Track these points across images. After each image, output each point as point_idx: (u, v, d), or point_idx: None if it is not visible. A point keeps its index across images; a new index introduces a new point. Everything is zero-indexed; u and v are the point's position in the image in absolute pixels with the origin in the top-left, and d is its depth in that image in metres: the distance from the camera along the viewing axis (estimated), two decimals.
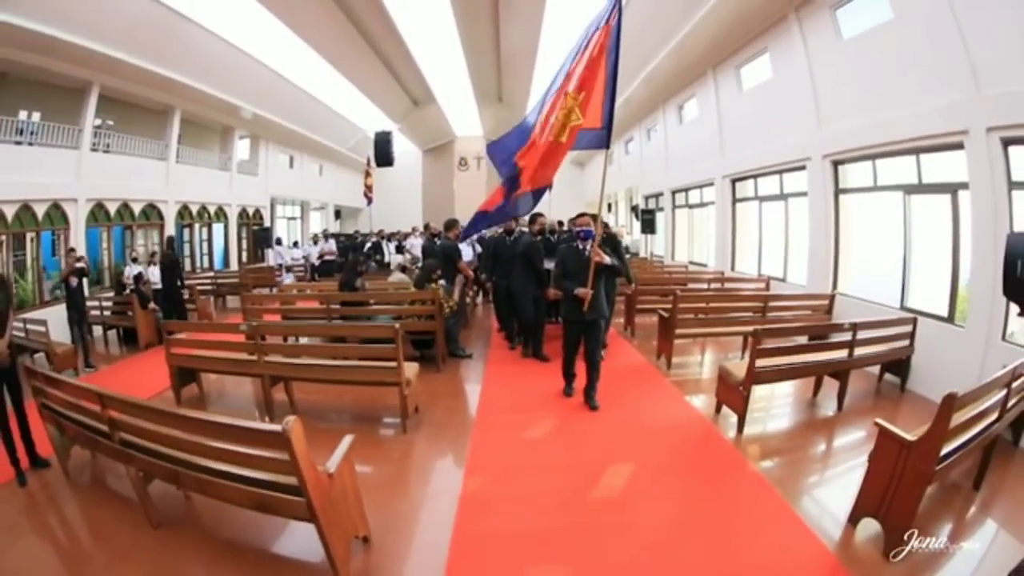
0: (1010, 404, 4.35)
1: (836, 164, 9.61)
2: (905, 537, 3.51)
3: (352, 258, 10.70)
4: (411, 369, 6.10)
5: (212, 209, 19.30)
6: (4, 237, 11.29)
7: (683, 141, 17.09)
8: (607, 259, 6.13)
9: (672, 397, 6.94)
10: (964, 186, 6.79)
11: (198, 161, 18.41)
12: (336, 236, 21.98)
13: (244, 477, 3.43)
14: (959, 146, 6.76)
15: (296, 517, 3.26)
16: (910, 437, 3.56)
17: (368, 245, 18.17)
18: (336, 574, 3.26)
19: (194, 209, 18.24)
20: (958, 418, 3.65)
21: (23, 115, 12.17)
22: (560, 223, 13.21)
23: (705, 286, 11.78)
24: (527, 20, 15.81)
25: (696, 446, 5.50)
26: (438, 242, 10.95)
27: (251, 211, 21.70)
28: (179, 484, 3.78)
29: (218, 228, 20.10)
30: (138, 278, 11.16)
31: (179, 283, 12.08)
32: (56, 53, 11.52)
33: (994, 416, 4.22)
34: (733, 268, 13.59)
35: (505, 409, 6.52)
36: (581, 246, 6.43)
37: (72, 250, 10.44)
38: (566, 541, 3.82)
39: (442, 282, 8.39)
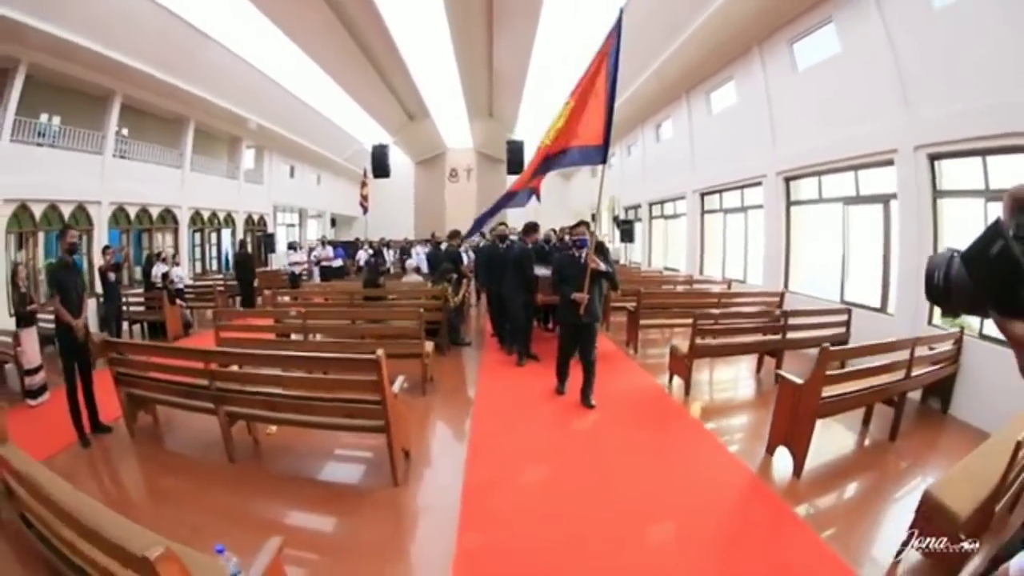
0: (921, 371, 5.76)
1: (788, 180, 10.98)
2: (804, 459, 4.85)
3: (375, 262, 12.21)
4: (428, 345, 7.53)
5: (222, 215, 20.46)
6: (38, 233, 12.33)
7: (659, 157, 18.52)
8: (602, 265, 6.54)
9: (636, 373, 8.36)
10: (894, 196, 8.10)
11: (209, 170, 19.48)
12: (334, 243, 22.98)
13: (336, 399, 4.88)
14: (890, 162, 8.06)
15: (374, 426, 4.67)
16: (799, 381, 4.90)
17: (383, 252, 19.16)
18: (394, 471, 4.68)
19: (205, 215, 19.39)
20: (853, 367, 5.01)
21: (44, 118, 12.92)
22: (554, 231, 13.99)
23: (673, 287, 13.10)
24: (519, 40, 16.59)
25: (651, 405, 6.90)
26: (443, 248, 12.26)
27: (256, 218, 22.79)
28: (275, 409, 5.04)
29: (225, 233, 21.27)
30: (165, 276, 12.32)
31: (252, 278, 14.13)
32: (82, 61, 12.42)
33: (899, 375, 5.54)
34: (702, 272, 14.96)
35: (498, 380, 7.91)
36: (577, 254, 6.73)
37: (108, 247, 11.11)
38: (551, 460, 5.22)
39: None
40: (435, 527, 4.16)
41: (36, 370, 7.30)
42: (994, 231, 0.91)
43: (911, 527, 3.44)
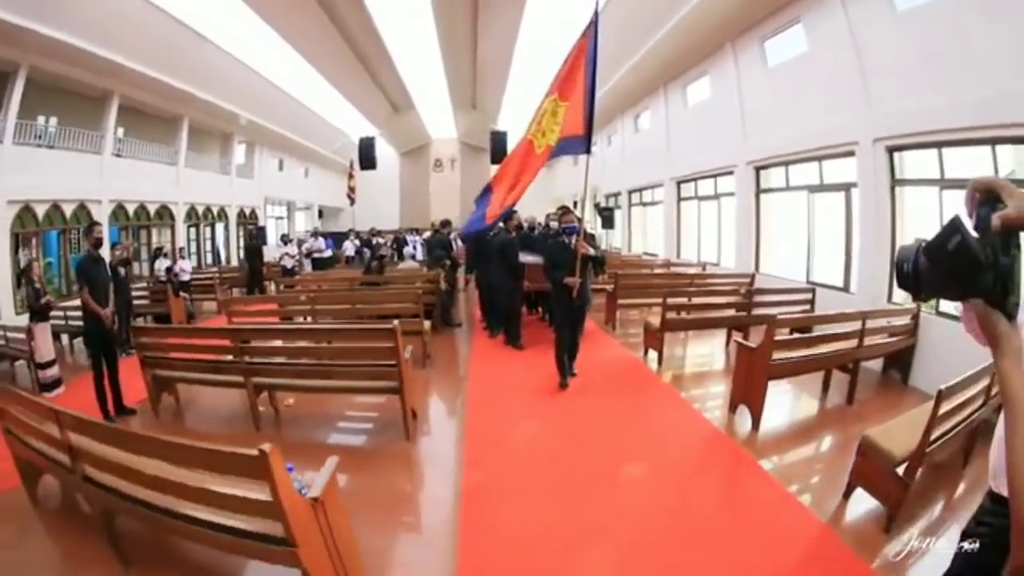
0: (874, 341, 6.49)
1: (758, 169, 11.73)
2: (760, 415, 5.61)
3: (375, 251, 13.20)
4: (426, 325, 8.32)
5: (215, 210, 21.05)
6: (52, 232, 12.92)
7: (639, 147, 19.32)
8: (591, 250, 6.76)
9: (615, 347, 9.17)
10: (855, 185, 8.81)
11: (202, 166, 20.08)
12: (325, 235, 23.45)
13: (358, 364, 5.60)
14: (852, 153, 8.75)
15: (390, 387, 5.32)
16: (753, 346, 5.65)
17: (374, 241, 19.67)
18: (406, 427, 5.35)
19: (200, 210, 19.95)
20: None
21: (44, 120, 13.39)
22: (540, 220, 14.14)
23: (651, 271, 13.83)
24: (503, 31, 16.94)
25: (628, 374, 7.71)
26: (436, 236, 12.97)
27: (248, 211, 23.43)
28: (302, 376, 5.73)
29: (219, 227, 21.87)
30: (168, 270, 12.93)
31: (260, 266, 15.13)
32: (82, 63, 12.84)
33: (851, 344, 6.27)
34: (679, 256, 15.73)
35: (488, 356, 8.68)
36: (567, 240, 6.90)
37: (117, 244, 11.46)
38: (539, 419, 5.97)
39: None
40: (443, 472, 4.93)
41: (50, 364, 7.79)
42: (951, 227, 0.98)
43: (852, 465, 4.17)
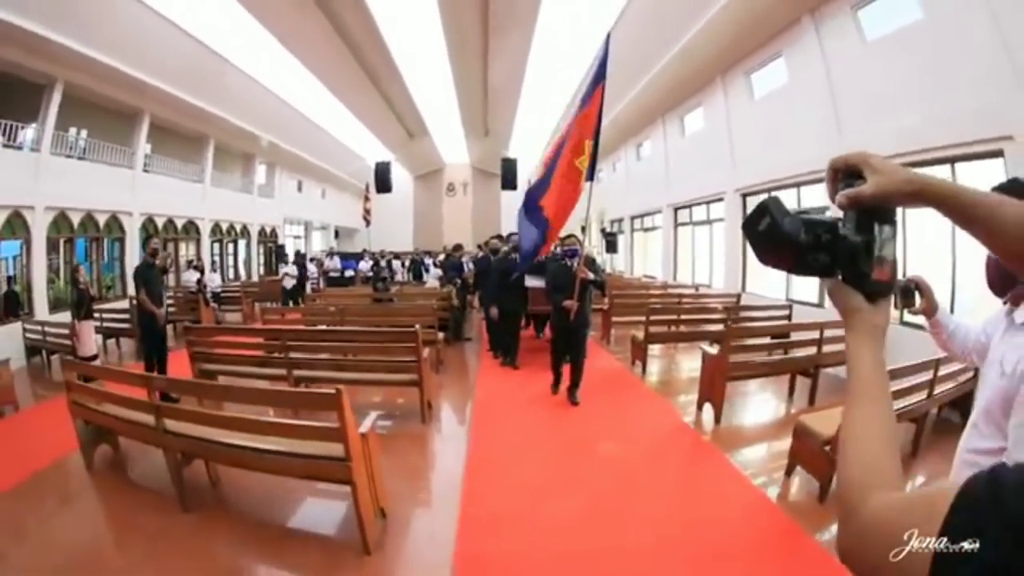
0: (834, 348, 7.14)
1: (744, 196, 12.62)
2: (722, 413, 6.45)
3: (379, 272, 14.64)
4: (440, 335, 9.32)
5: (238, 227, 22.07)
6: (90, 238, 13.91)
7: (640, 175, 20.36)
8: (591, 275, 6.94)
9: (606, 358, 10.06)
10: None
11: (226, 184, 21.07)
12: (343, 255, 24.48)
13: (385, 360, 6.60)
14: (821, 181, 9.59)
15: (410, 379, 6.27)
16: (714, 351, 6.51)
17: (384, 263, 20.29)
18: (423, 415, 6.29)
19: (224, 226, 20.98)
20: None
21: (73, 131, 13.82)
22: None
23: (647, 291, 14.69)
24: (512, 62, 17.74)
25: (615, 380, 8.62)
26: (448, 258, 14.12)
27: (268, 230, 24.38)
28: (339, 369, 6.69)
29: (241, 244, 22.90)
30: (198, 281, 13.86)
31: (304, 280, 16.42)
32: (116, 81, 13.45)
33: (810, 351, 7.12)
34: (675, 278, 16.70)
35: (494, 367, 9.49)
36: (569, 263, 7.07)
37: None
38: (537, 415, 6.92)
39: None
40: (453, 451, 5.90)
41: (92, 358, 8.55)
42: (759, 210, 0.92)
43: (790, 446, 5.01)
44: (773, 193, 8.84)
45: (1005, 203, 0.80)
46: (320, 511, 4.51)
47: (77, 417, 5.16)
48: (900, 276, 1.79)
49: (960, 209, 0.80)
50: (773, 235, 0.89)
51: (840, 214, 0.89)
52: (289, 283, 16.32)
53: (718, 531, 4.11)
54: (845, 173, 0.90)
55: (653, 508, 4.50)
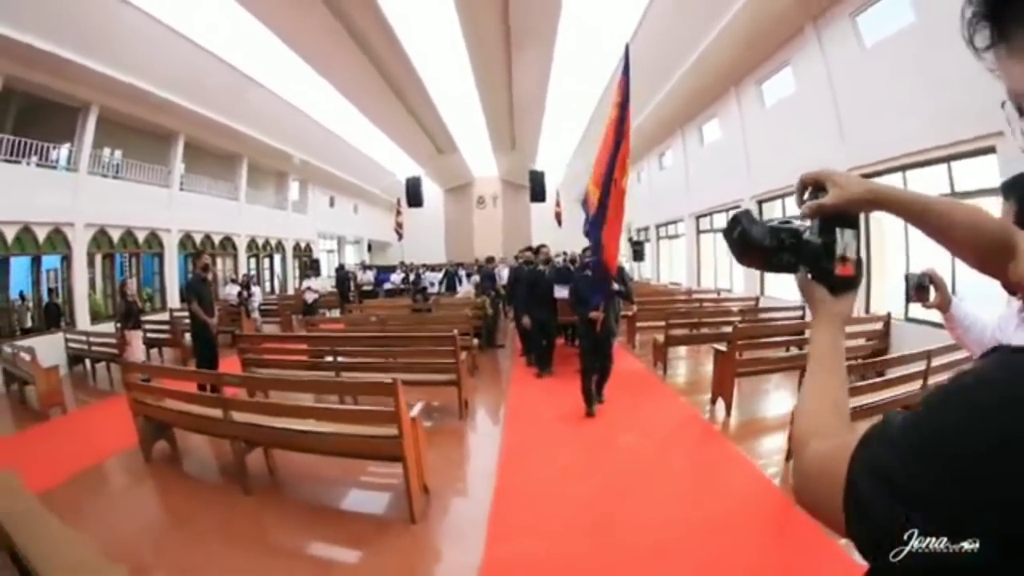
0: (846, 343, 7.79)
1: (760, 203, 13.09)
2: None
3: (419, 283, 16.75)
4: (475, 342, 9.82)
5: (273, 242, 22.84)
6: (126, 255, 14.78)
7: (663, 184, 21.00)
8: (615, 285, 7.07)
9: (632, 361, 10.53)
10: None
11: (261, 201, 21.91)
12: (380, 268, 25.21)
13: (425, 362, 7.14)
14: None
15: (448, 379, 6.88)
16: (724, 349, 7.01)
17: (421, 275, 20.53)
18: (461, 411, 6.97)
19: (260, 242, 21.76)
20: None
21: (109, 152, 14.53)
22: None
23: (672, 298, 15.07)
24: (535, 76, 17.90)
25: (639, 381, 9.12)
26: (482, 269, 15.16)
27: (303, 245, 25.06)
28: (383, 371, 7.30)
29: (276, 259, 23.72)
30: (240, 294, 14.57)
31: (347, 291, 18.13)
32: (152, 104, 14.06)
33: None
34: (699, 284, 17.19)
35: (524, 370, 10.08)
36: (592, 275, 7.19)
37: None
38: (564, 408, 7.46)
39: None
40: (488, 443, 6.60)
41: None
42: (733, 220, 1.02)
43: (788, 432, 5.51)
44: (785, 199, 9.21)
45: (955, 205, 0.94)
46: (369, 495, 5.16)
47: (138, 414, 5.83)
48: (915, 271, 2.16)
49: (913, 212, 0.93)
50: (744, 241, 1.00)
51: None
52: (311, 297, 16.43)
53: (721, 506, 4.62)
54: (814, 187, 1.00)
55: (664, 489, 5.04)
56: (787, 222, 1.04)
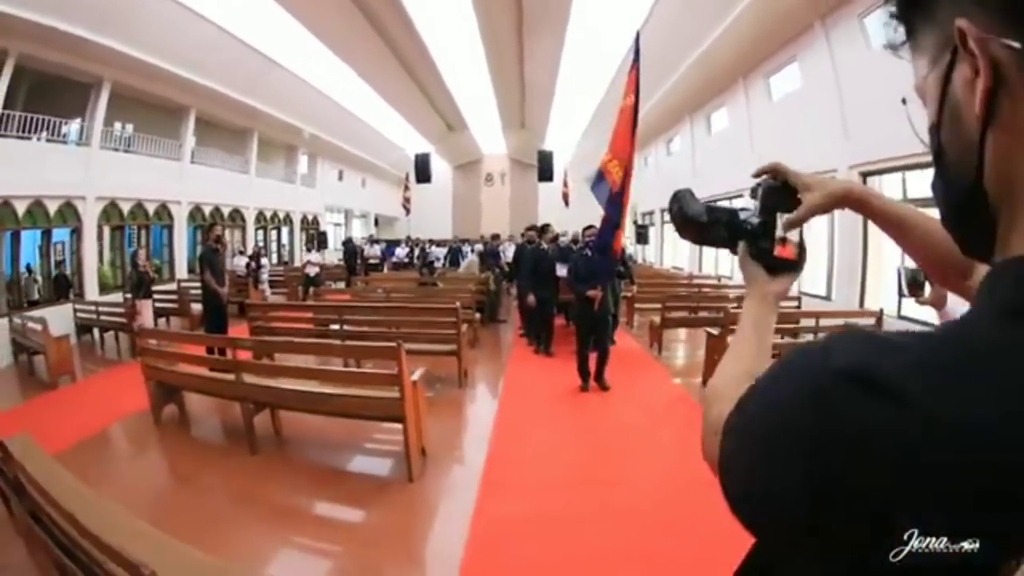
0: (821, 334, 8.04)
1: None
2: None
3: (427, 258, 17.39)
4: (476, 316, 10.16)
5: (281, 215, 23.04)
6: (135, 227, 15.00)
7: (670, 169, 21.23)
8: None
9: (630, 340, 10.82)
10: None
11: (270, 174, 22.02)
12: (389, 242, 25.50)
13: (426, 332, 7.41)
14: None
15: (449, 350, 7.13)
16: (716, 333, 7.27)
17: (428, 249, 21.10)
18: (460, 381, 7.32)
19: (268, 214, 21.96)
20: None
21: (120, 126, 14.58)
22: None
23: (673, 282, 15.45)
24: (547, 57, 18.01)
25: (634, 360, 9.39)
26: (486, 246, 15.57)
27: (310, 217, 25.22)
28: (386, 339, 7.58)
29: (284, 231, 24.02)
30: (247, 266, 14.82)
31: (355, 263, 18.85)
32: (165, 80, 14.26)
33: (807, 338, 7.63)
34: (700, 269, 17.43)
35: (523, 346, 10.38)
36: (591, 254, 7.22)
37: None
38: (560, 385, 7.74)
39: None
40: (484, 411, 6.96)
41: None
42: (674, 197, 1.05)
43: None
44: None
45: (914, 211, 0.96)
46: (369, 458, 5.50)
47: (151, 379, 6.08)
48: (909, 266, 2.17)
49: (874, 211, 0.96)
50: (683, 215, 1.03)
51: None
52: (312, 271, 16.16)
53: (704, 472, 4.85)
54: (771, 174, 1.01)
55: (650, 457, 5.36)
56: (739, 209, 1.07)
